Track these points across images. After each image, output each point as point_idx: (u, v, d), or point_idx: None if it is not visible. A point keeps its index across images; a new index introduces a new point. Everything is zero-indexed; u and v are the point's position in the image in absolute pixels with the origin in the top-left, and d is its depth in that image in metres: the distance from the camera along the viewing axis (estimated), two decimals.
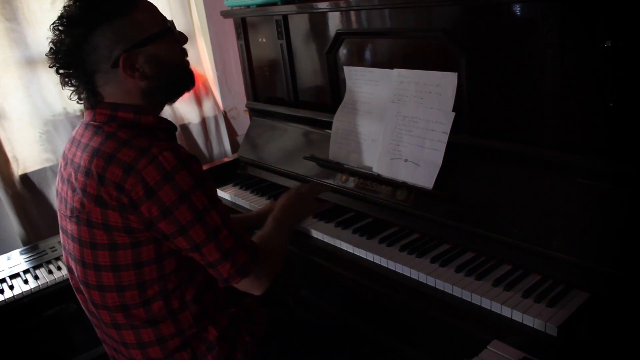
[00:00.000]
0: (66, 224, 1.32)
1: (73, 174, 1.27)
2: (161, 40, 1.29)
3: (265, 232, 1.51)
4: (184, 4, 2.80)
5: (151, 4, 1.32)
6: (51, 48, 1.25)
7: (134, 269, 1.24)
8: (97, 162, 1.20)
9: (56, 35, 1.24)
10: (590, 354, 1.12)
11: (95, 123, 1.28)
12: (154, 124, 1.31)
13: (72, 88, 1.29)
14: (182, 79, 1.38)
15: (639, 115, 1.24)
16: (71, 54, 1.23)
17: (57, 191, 1.38)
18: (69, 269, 1.39)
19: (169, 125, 1.38)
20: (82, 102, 1.32)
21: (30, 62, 2.38)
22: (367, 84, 1.88)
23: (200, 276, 1.33)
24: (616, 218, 1.26)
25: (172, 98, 1.40)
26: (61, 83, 1.28)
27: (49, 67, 1.27)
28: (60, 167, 1.36)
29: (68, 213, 1.29)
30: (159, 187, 1.17)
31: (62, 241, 1.39)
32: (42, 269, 2.15)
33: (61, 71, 1.26)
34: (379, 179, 1.79)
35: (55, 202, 2.48)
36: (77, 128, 1.35)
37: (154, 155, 1.18)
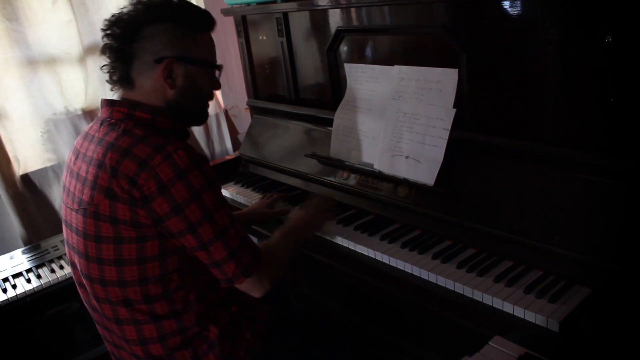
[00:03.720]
0: (71, 218, 1.32)
1: (84, 167, 1.28)
2: (205, 71, 1.38)
3: (271, 241, 1.52)
4: None
5: (213, 40, 1.41)
6: (117, 14, 1.30)
7: (137, 264, 1.25)
8: (111, 155, 1.22)
9: (133, 4, 1.30)
10: (592, 349, 1.12)
11: (112, 120, 1.31)
12: (169, 126, 1.35)
13: (108, 60, 1.33)
14: (199, 111, 1.46)
15: None
16: (130, 29, 1.28)
17: (63, 185, 1.39)
18: (72, 264, 1.39)
19: (182, 130, 1.41)
20: (111, 82, 1.35)
21: (31, 62, 2.38)
22: (367, 81, 1.88)
23: (205, 277, 1.34)
24: (617, 213, 1.25)
25: (184, 122, 1.42)
26: (101, 51, 1.33)
27: (101, 29, 1.31)
28: (70, 161, 1.38)
29: (75, 206, 1.29)
30: (172, 184, 1.19)
31: (65, 236, 1.40)
32: (45, 268, 2.15)
33: (109, 39, 1.30)
34: (380, 176, 1.79)
35: (57, 202, 2.51)
36: (91, 124, 1.38)
37: (169, 153, 1.20)
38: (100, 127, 1.32)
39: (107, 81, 1.36)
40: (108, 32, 1.30)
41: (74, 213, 1.31)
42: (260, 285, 1.35)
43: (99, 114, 1.38)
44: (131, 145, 1.22)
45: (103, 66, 1.35)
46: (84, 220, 1.26)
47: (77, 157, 1.34)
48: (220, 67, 1.43)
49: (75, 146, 1.38)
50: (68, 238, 1.38)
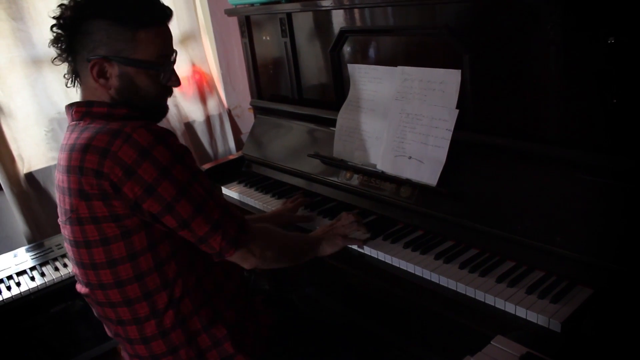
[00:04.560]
0: (64, 230, 1.32)
1: (60, 177, 1.27)
2: (144, 71, 1.29)
3: (280, 229, 1.50)
4: (188, 3, 2.80)
5: (166, 33, 1.32)
6: (65, 4, 1.26)
7: (130, 260, 1.23)
8: (75, 156, 1.19)
9: None
10: (594, 350, 1.12)
11: (73, 122, 1.29)
12: (128, 114, 1.29)
13: (58, 52, 1.29)
14: (151, 108, 1.36)
15: None
16: (71, 22, 1.24)
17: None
18: (76, 275, 1.38)
19: (141, 114, 1.34)
20: (66, 77, 1.33)
21: (36, 62, 2.40)
22: (371, 82, 1.88)
23: (200, 261, 1.33)
24: (620, 214, 1.26)
25: (139, 116, 1.33)
26: (51, 41, 1.28)
27: (52, 17, 1.26)
28: (55, 175, 1.36)
29: (63, 217, 1.29)
30: (137, 165, 1.15)
31: (65, 247, 1.38)
32: (48, 266, 2.17)
33: (55, 28, 1.26)
34: (383, 176, 1.80)
35: None
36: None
37: (128, 134, 1.16)
38: (66, 134, 1.30)
39: (64, 76, 1.33)
40: (57, 21, 1.25)
41: (63, 225, 1.30)
42: (249, 255, 1.32)
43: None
44: (90, 140, 1.19)
45: (54, 58, 1.31)
46: (71, 229, 1.25)
47: (57, 170, 1.33)
48: (159, 67, 1.30)
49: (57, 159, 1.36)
50: (67, 249, 1.36)
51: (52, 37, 1.27)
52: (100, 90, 1.29)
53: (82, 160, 1.18)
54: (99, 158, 1.16)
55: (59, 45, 1.28)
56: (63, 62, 1.31)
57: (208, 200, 1.24)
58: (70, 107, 1.31)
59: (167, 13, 1.31)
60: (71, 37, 1.25)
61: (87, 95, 1.31)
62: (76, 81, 1.33)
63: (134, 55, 1.26)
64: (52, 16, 1.26)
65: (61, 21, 1.25)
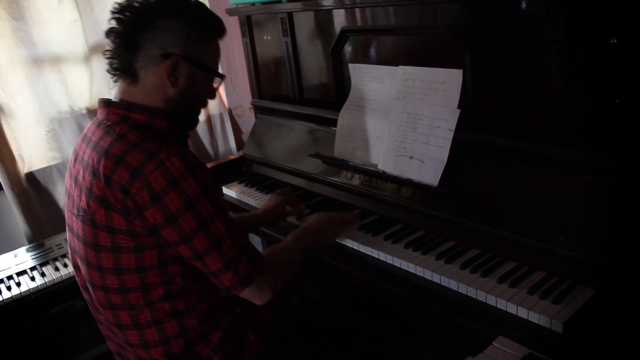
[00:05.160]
0: (72, 222, 1.31)
1: (81, 172, 1.26)
2: (208, 77, 1.36)
3: (280, 246, 1.48)
4: None
5: (220, 51, 1.39)
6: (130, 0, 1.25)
7: (137, 272, 1.23)
8: (105, 163, 1.19)
9: None
10: (596, 350, 1.12)
11: (108, 122, 1.27)
12: (166, 128, 1.30)
13: (112, 45, 1.27)
14: (194, 115, 1.43)
15: None
16: (142, 17, 1.24)
17: (65, 187, 1.37)
18: (75, 266, 1.39)
19: (182, 132, 1.37)
20: (112, 71, 1.30)
21: (36, 61, 2.39)
22: (372, 81, 1.88)
23: (207, 281, 1.31)
24: (622, 215, 1.25)
25: (179, 124, 1.37)
26: (105, 34, 1.28)
27: (110, 11, 1.25)
28: (70, 163, 1.36)
29: (75, 211, 1.28)
30: (165, 193, 1.16)
31: (68, 238, 1.39)
32: (49, 266, 2.16)
33: (117, 24, 1.25)
34: (384, 176, 1.79)
35: (61, 201, 2.52)
36: (89, 125, 1.35)
37: (162, 160, 1.17)
38: (96, 130, 1.29)
39: (107, 70, 1.31)
40: (118, 15, 1.24)
41: (74, 217, 1.30)
42: (261, 294, 1.32)
43: (97, 115, 1.34)
44: (124, 152, 1.18)
45: (106, 51, 1.29)
46: (83, 227, 1.25)
47: (76, 160, 1.32)
48: (223, 77, 1.40)
49: (75, 148, 1.36)
50: (71, 241, 1.36)
51: (111, 28, 1.26)
52: (158, 89, 1.28)
53: (111, 171, 1.18)
54: (129, 176, 1.16)
55: (119, 38, 1.26)
56: (115, 57, 1.28)
57: (226, 238, 1.24)
58: (108, 104, 1.30)
59: (225, 29, 1.38)
60: (141, 31, 1.24)
61: (133, 94, 1.29)
62: (124, 76, 1.30)
63: (204, 60, 1.32)
64: (115, 9, 1.25)
65: (128, 15, 1.24)
